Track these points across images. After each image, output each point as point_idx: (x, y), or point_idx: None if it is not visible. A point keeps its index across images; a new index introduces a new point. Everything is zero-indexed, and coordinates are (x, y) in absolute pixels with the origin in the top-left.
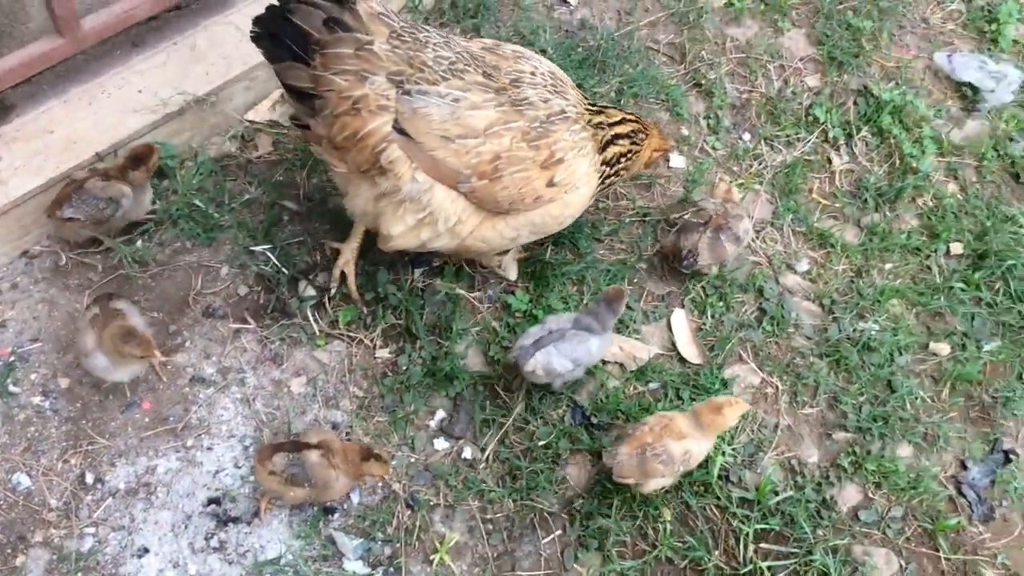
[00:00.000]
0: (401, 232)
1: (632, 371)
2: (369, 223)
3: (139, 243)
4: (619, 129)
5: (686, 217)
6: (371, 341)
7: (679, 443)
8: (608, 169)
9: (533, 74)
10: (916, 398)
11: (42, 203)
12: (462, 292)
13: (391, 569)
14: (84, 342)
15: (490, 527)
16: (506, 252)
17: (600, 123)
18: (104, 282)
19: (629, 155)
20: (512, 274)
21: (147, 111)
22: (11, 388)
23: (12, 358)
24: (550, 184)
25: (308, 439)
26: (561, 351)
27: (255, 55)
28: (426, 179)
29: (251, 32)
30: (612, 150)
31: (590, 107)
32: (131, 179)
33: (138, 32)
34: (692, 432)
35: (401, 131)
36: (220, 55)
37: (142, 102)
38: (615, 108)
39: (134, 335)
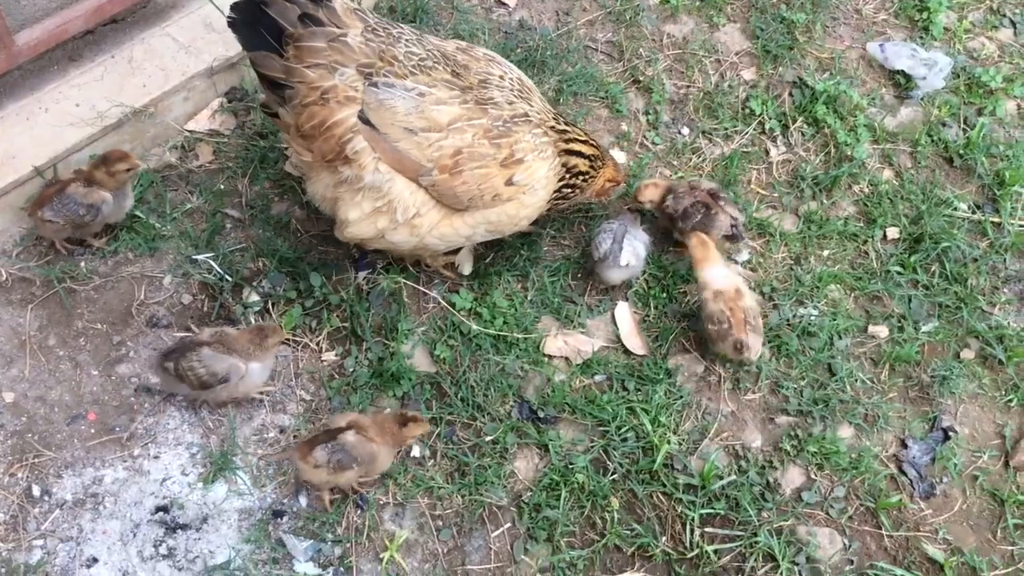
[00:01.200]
0: (357, 218)
1: (577, 364)
2: (327, 209)
3: (78, 255)
4: (581, 147)
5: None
6: (317, 344)
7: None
8: (567, 176)
9: (502, 78)
10: (856, 380)
11: None
12: (408, 283)
13: (342, 569)
14: (238, 366)
15: (440, 523)
16: (457, 251)
17: (563, 132)
18: (46, 296)
19: (585, 176)
20: (467, 269)
21: (85, 124)
22: None
23: None
24: (509, 183)
25: (337, 424)
26: (636, 237)
27: (193, 66)
28: (388, 170)
29: (228, 18)
30: (571, 160)
31: (557, 121)
32: (112, 179)
33: (75, 46)
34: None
35: (367, 122)
36: (158, 67)
37: (80, 116)
38: (582, 130)
39: (264, 327)
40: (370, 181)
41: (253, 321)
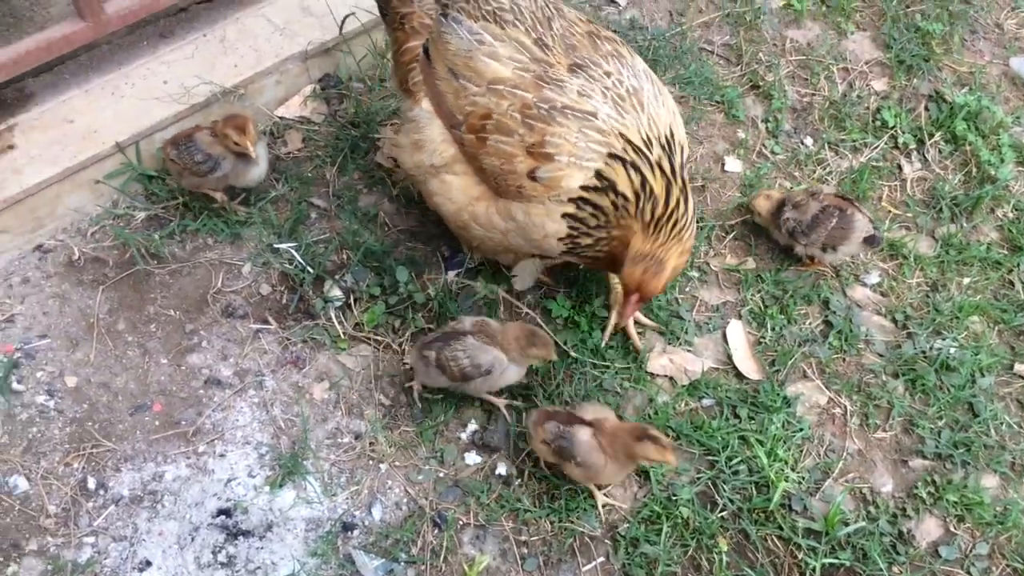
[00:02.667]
0: (405, 145)
1: (683, 385)
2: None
3: (156, 237)
4: (625, 190)
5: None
6: (400, 345)
7: None
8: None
9: (608, 75)
10: (1001, 423)
11: (58, 193)
12: (503, 294)
13: None
14: (501, 359)
15: (525, 551)
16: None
17: (624, 159)
18: (120, 278)
19: (599, 229)
20: (521, 283)
21: (172, 101)
22: (15, 386)
23: (18, 355)
24: (532, 176)
25: (583, 414)
26: None
27: (287, 48)
28: (430, 110)
29: None
30: (601, 199)
31: (639, 152)
32: (228, 142)
33: (167, 23)
34: None
35: (427, 53)
36: (251, 47)
37: (167, 92)
38: (681, 205)
39: (536, 334)
40: (414, 115)
41: (333, 316)
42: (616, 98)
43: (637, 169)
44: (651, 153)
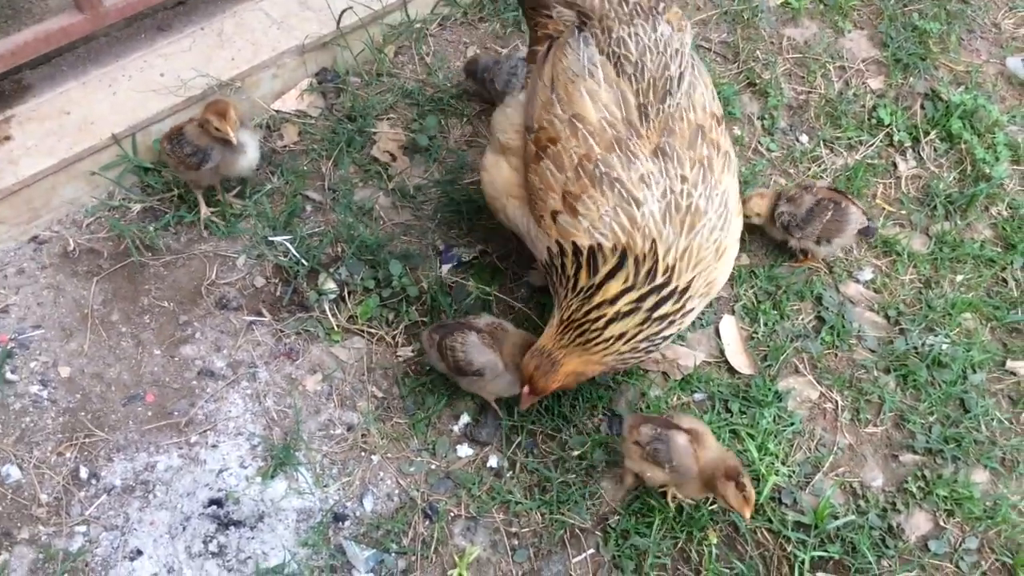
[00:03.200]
0: (500, 108)
1: (676, 380)
2: None
3: (151, 228)
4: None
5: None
6: (393, 338)
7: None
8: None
9: (684, 180)
10: (992, 419)
11: (53, 185)
12: (495, 293)
13: None
14: (496, 365)
15: (515, 542)
16: None
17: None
18: (114, 269)
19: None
20: (537, 278)
21: (168, 94)
22: (8, 376)
23: (11, 345)
24: (554, 216)
25: (680, 421)
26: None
27: (284, 42)
28: (522, 100)
29: None
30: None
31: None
32: (208, 127)
33: (165, 16)
34: None
35: (548, 48)
36: (248, 41)
37: (164, 85)
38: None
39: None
40: (514, 97)
41: (327, 309)
42: (672, 206)
43: (598, 268)
44: (638, 271)
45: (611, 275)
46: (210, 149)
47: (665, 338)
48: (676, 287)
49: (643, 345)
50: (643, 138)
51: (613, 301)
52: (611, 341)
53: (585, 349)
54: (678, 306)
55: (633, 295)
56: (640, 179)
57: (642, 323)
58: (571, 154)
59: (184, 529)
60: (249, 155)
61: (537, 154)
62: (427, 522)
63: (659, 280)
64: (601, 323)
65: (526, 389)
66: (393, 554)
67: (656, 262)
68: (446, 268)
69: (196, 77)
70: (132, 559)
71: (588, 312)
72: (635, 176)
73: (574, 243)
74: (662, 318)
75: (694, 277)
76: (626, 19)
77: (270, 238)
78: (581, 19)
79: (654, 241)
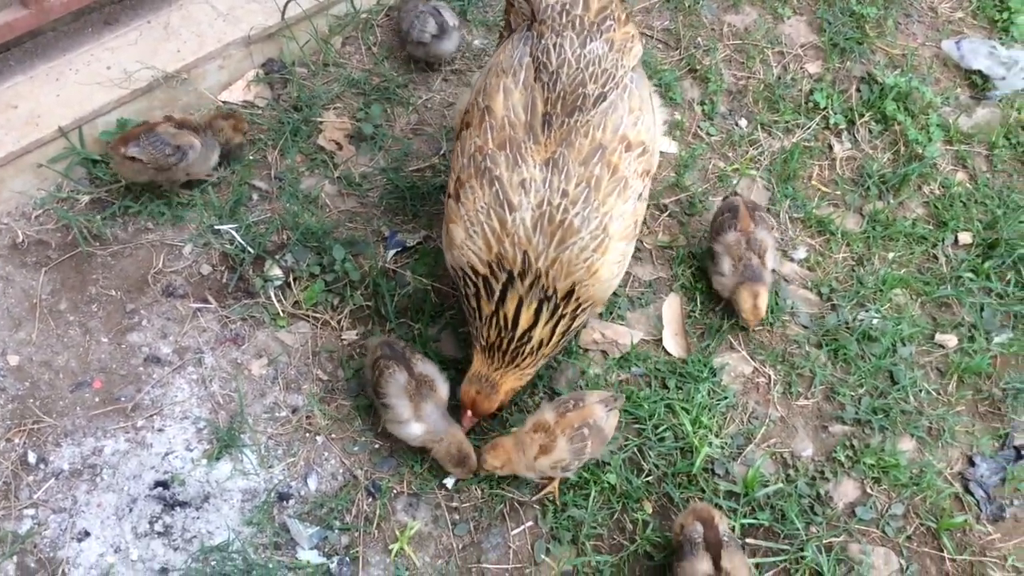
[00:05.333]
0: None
1: (614, 358)
2: None
3: (98, 219)
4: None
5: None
6: (338, 323)
7: None
8: None
9: (564, 195)
10: (920, 391)
11: (1, 177)
12: (433, 284)
13: (347, 559)
14: (402, 412)
15: (456, 517)
16: None
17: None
18: (62, 259)
19: None
20: None
21: (114, 87)
22: None
23: None
24: (449, 196)
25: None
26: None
27: (230, 33)
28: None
29: None
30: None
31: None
32: (233, 132)
33: (111, 10)
34: None
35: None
36: (194, 33)
37: (110, 78)
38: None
39: (464, 463)
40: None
41: (273, 295)
42: (546, 218)
43: (492, 292)
44: (522, 285)
45: (503, 298)
46: (188, 148)
47: (577, 332)
48: (558, 292)
49: (563, 340)
50: (540, 145)
51: (516, 320)
52: (535, 351)
53: (517, 367)
54: (573, 306)
55: (532, 307)
56: (520, 183)
57: (553, 326)
58: (472, 142)
59: (131, 511)
60: (216, 154)
61: (458, 135)
62: (370, 499)
63: (542, 288)
64: (522, 341)
65: (469, 413)
66: (336, 531)
67: (536, 273)
68: (391, 254)
69: (142, 69)
70: (80, 540)
71: (502, 336)
72: (516, 179)
73: (467, 268)
74: (564, 317)
75: (573, 284)
76: (558, 29)
77: (216, 227)
78: (532, 17)
79: (526, 252)
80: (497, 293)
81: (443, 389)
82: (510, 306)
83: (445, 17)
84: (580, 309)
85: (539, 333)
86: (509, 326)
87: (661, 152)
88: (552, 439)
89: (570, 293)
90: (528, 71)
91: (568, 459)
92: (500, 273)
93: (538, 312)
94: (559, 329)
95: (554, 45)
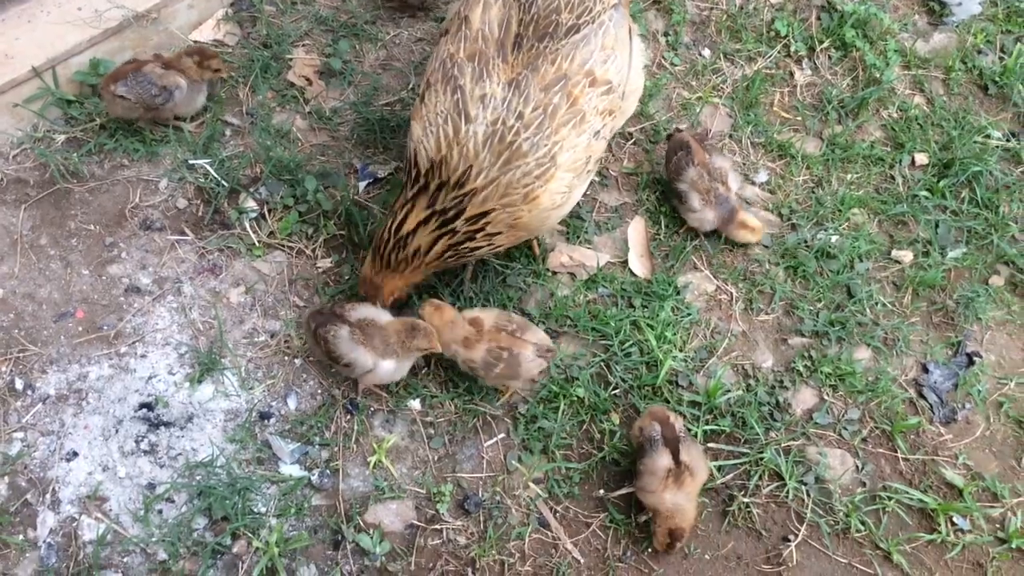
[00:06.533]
0: None
1: (582, 280)
2: None
3: (75, 156)
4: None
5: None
6: (312, 251)
7: None
8: None
9: (520, 116)
10: (876, 303)
11: None
12: None
13: (328, 471)
14: (364, 362)
15: (431, 431)
16: None
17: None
18: (41, 196)
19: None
20: None
21: (86, 26)
22: None
23: None
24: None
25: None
26: None
27: None
28: None
29: None
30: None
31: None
32: (186, 70)
33: None
34: None
35: None
36: None
37: (81, 18)
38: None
39: (417, 327)
40: None
41: (248, 226)
42: (497, 136)
43: (420, 199)
44: (439, 197)
45: (408, 202)
46: (174, 88)
47: (473, 251)
48: (472, 209)
49: (450, 255)
50: (507, 64)
51: (402, 224)
52: (412, 257)
53: (395, 270)
54: (475, 227)
55: (421, 215)
56: (480, 98)
57: (436, 237)
58: (447, 48)
59: (117, 431)
60: (203, 96)
61: (440, 38)
62: (348, 417)
63: (453, 199)
64: (399, 246)
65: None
66: (317, 446)
67: (467, 191)
68: (363, 185)
69: (112, 9)
70: (69, 460)
71: (387, 241)
72: (477, 92)
73: (412, 156)
74: (456, 232)
75: (495, 209)
76: None
77: (191, 161)
78: None
79: (471, 167)
80: (410, 194)
81: (385, 316)
82: (404, 212)
83: None
84: (483, 233)
85: (420, 239)
86: (393, 229)
87: None
88: (476, 340)
89: (480, 216)
90: None
91: (478, 366)
92: (433, 178)
93: (426, 221)
94: (444, 241)
95: None
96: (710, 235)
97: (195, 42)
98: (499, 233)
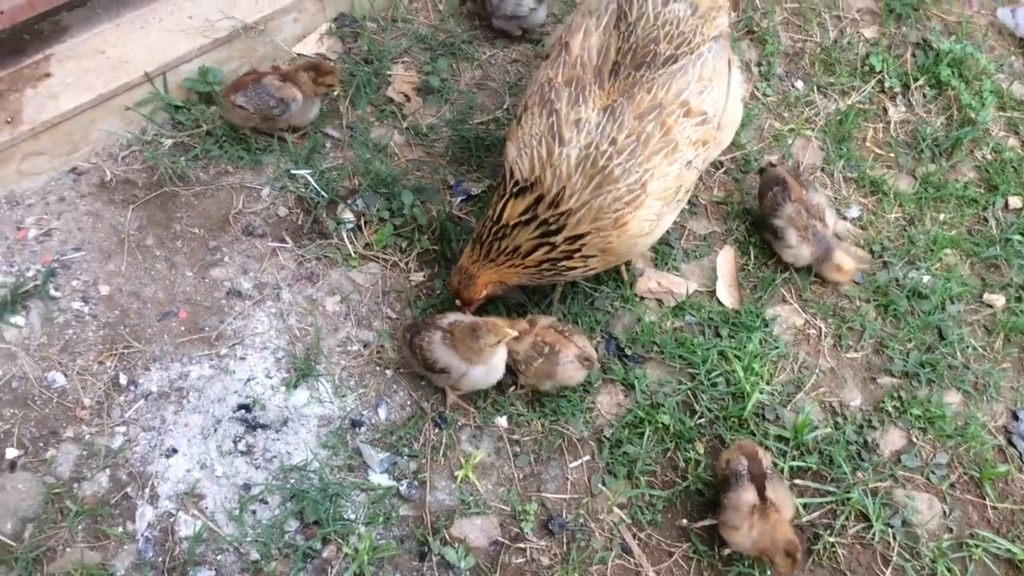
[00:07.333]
0: None
1: (669, 307)
2: None
3: (182, 160)
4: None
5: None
6: (406, 264)
7: None
8: None
9: (613, 142)
10: (967, 347)
11: (91, 119)
12: None
13: (415, 483)
14: (458, 367)
15: (517, 449)
16: None
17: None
18: (148, 198)
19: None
20: None
21: (197, 35)
22: (52, 292)
23: (55, 265)
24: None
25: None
26: None
27: None
28: None
29: None
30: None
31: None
32: (301, 84)
33: None
34: None
35: None
36: None
37: (193, 27)
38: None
39: (477, 326)
40: None
41: (345, 237)
42: (589, 160)
43: (520, 199)
44: (538, 207)
45: (507, 196)
46: (291, 101)
47: (569, 270)
48: (570, 230)
49: (546, 267)
50: (603, 91)
51: (502, 213)
52: (512, 253)
53: (492, 261)
54: (573, 247)
55: (524, 216)
56: (575, 122)
57: (538, 243)
58: (545, 72)
59: (215, 431)
60: (317, 108)
61: (541, 63)
62: (436, 430)
63: (553, 215)
64: (499, 236)
65: (458, 302)
66: (405, 456)
67: (563, 211)
68: (457, 201)
69: (222, 19)
70: (168, 456)
71: (486, 226)
72: (572, 116)
73: (509, 169)
74: (555, 247)
75: (589, 232)
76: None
77: (292, 171)
78: None
79: (564, 188)
80: (507, 190)
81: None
82: (516, 207)
83: None
84: (579, 254)
85: (521, 238)
86: (494, 218)
87: None
88: (526, 334)
89: (578, 237)
90: (611, 17)
91: (520, 359)
92: (531, 191)
93: (527, 223)
94: (543, 251)
95: None
96: (800, 268)
97: (299, 55)
98: (593, 256)
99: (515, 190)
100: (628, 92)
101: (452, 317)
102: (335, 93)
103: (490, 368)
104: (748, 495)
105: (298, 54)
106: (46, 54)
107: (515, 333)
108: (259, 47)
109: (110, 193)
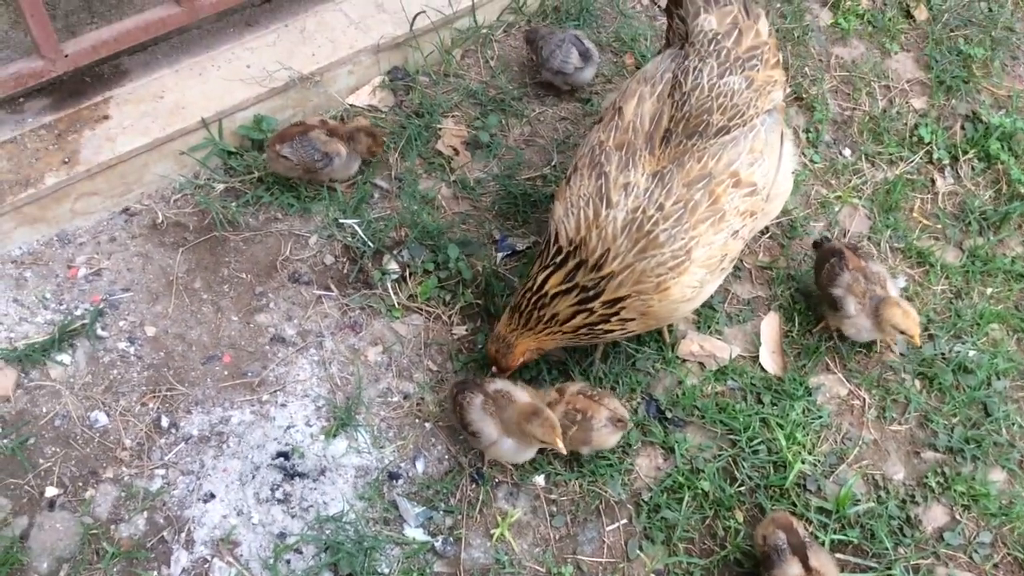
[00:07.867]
0: None
1: (711, 370)
2: None
3: (233, 206)
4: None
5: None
6: (449, 317)
7: None
8: None
9: (660, 208)
10: (1013, 424)
11: (146, 162)
12: None
13: (451, 539)
14: (490, 434)
15: (554, 509)
16: None
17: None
18: (198, 241)
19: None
20: None
21: (254, 84)
22: (99, 332)
23: (103, 304)
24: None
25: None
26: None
27: (361, 41)
28: None
29: None
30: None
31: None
32: (358, 144)
33: (252, 13)
34: None
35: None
36: (328, 39)
37: (250, 76)
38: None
39: (538, 413)
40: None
41: (389, 287)
42: (636, 224)
43: (561, 269)
44: (578, 273)
45: (548, 268)
46: (335, 155)
47: (607, 333)
48: (609, 293)
49: (584, 332)
50: (653, 157)
51: (544, 283)
52: (550, 321)
53: (531, 330)
54: (611, 311)
55: (564, 285)
56: (623, 185)
57: (576, 310)
58: (597, 135)
59: (254, 477)
60: (357, 164)
61: (594, 125)
62: (473, 485)
63: (592, 279)
64: (539, 305)
65: (494, 368)
66: (441, 512)
67: (605, 274)
68: (501, 256)
69: (280, 70)
70: (206, 501)
71: (529, 299)
72: (621, 180)
73: (555, 231)
74: (593, 312)
75: (629, 296)
76: (703, 55)
77: (340, 220)
78: (685, 38)
79: (608, 250)
80: (549, 260)
81: (523, 396)
82: (546, 274)
83: (587, 46)
84: (617, 317)
85: (560, 305)
86: (534, 288)
87: None
88: (557, 403)
89: (617, 300)
90: (666, 86)
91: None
92: (573, 257)
93: (567, 291)
94: (581, 317)
95: (693, 68)
96: (845, 338)
97: (352, 105)
98: (632, 319)
99: (557, 260)
100: (678, 160)
101: (499, 384)
102: (375, 157)
103: (521, 448)
104: (793, 569)
105: (351, 105)
106: (105, 96)
107: (565, 451)
108: (313, 97)
109: (160, 235)
